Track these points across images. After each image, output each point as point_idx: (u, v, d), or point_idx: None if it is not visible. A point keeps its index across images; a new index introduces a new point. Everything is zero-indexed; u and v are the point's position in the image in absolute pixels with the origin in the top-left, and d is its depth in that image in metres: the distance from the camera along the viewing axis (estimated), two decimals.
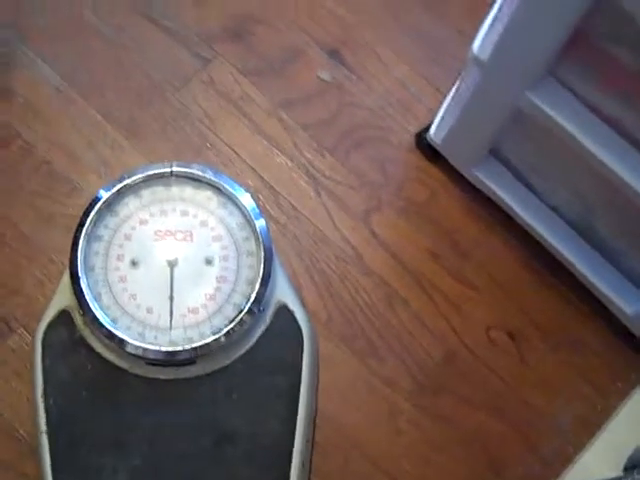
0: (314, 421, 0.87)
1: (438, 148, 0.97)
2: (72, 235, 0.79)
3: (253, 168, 0.99)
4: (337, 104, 1.03)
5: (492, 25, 0.78)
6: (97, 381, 0.80)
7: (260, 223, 0.81)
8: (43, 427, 0.78)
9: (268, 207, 0.97)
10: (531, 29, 0.71)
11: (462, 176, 0.98)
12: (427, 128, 0.98)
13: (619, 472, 0.81)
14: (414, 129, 1.02)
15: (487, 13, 0.79)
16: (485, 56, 0.78)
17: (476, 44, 0.79)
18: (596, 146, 0.74)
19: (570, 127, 0.75)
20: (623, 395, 0.90)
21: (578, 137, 0.75)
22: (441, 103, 0.96)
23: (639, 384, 0.90)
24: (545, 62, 0.73)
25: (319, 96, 1.03)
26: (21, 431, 0.87)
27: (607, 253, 0.90)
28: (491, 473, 0.90)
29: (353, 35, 1.07)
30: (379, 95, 1.04)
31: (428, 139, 0.97)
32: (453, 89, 0.92)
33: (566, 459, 0.88)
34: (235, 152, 0.99)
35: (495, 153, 0.92)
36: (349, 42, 1.06)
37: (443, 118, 0.93)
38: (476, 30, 0.79)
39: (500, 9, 0.76)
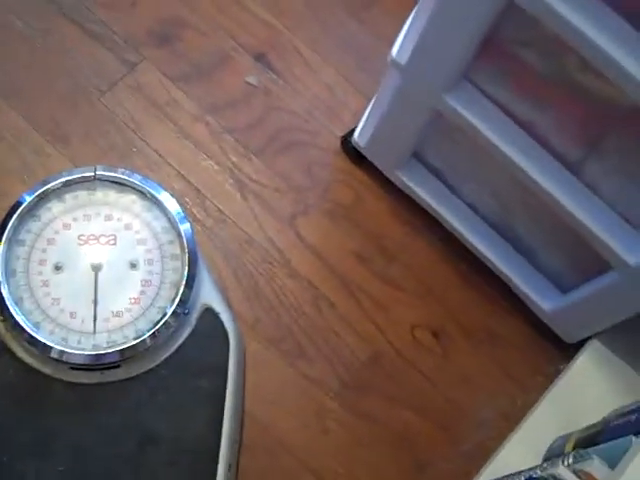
0: (241, 423, 0.88)
1: (363, 151, 0.99)
2: None
3: (179, 172, 0.99)
4: (264, 108, 1.04)
5: (409, 30, 0.80)
6: (20, 387, 0.79)
7: (185, 227, 0.82)
8: None
9: (194, 210, 0.98)
10: (445, 35, 0.73)
11: (387, 179, 0.99)
12: (352, 131, 1.00)
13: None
14: (340, 133, 1.04)
15: (407, 19, 0.82)
16: (403, 60, 0.80)
17: (395, 48, 0.81)
18: (509, 148, 0.77)
19: (484, 129, 0.78)
20: (543, 389, 0.93)
21: (492, 139, 0.77)
22: (365, 107, 0.97)
23: (557, 378, 0.93)
24: (460, 66, 0.76)
25: (246, 100, 1.04)
26: None
27: (525, 251, 0.93)
28: (416, 470, 0.92)
29: (280, 39, 1.08)
30: (306, 99, 1.05)
31: (353, 142, 0.99)
32: (376, 93, 0.94)
33: (487, 453, 0.90)
34: (161, 156, 1.00)
35: (417, 155, 0.94)
36: (276, 46, 1.08)
37: (366, 121, 0.95)
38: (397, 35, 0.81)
39: (416, 15, 0.78)
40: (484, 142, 0.78)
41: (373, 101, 0.94)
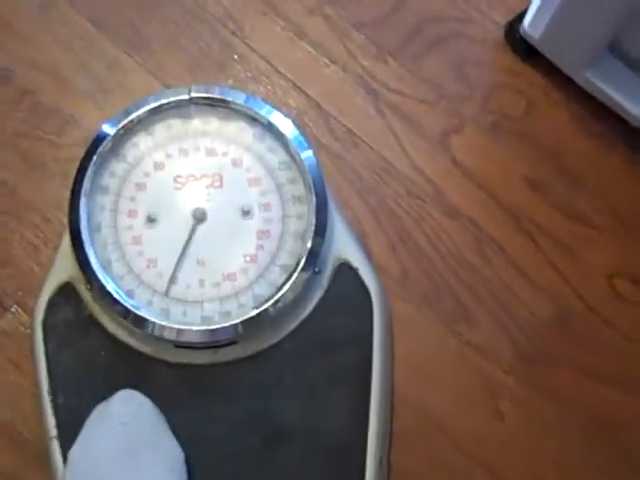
0: (391, 406, 0.86)
1: (536, 44, 0.93)
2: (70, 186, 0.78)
3: (295, 83, 0.96)
4: None
5: None
6: (114, 370, 0.79)
7: (309, 159, 0.80)
8: (53, 431, 0.78)
9: (317, 133, 0.94)
10: None
11: (568, 79, 0.94)
12: (520, 17, 0.94)
13: None
14: (503, 20, 0.98)
15: None
16: None
17: None
18: None
19: None
20: None
21: None
22: None
23: None
24: None
25: None
26: (25, 434, 0.86)
27: None
28: (619, 460, 0.87)
29: None
30: None
31: (522, 33, 0.93)
32: None
33: None
34: (270, 64, 0.97)
35: (616, 49, 0.88)
36: None
37: (543, 3, 0.89)
38: None
39: None
40: None
41: None
